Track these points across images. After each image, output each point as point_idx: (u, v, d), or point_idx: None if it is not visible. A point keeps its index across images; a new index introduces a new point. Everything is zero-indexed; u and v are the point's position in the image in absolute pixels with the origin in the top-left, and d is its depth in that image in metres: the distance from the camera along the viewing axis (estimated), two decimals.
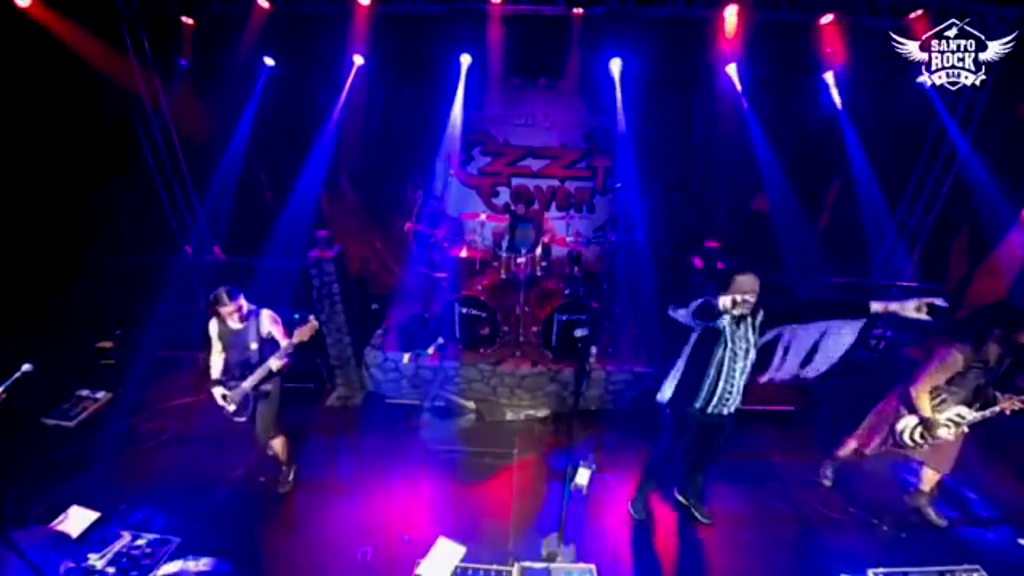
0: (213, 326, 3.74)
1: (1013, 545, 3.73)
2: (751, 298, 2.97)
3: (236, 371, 3.74)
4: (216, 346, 3.78)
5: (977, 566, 3.38)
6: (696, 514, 3.88)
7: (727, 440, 3.58)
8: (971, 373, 3.32)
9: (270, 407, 3.86)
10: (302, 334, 3.58)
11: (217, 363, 3.81)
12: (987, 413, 3.36)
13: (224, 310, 3.60)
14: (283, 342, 3.64)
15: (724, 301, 2.88)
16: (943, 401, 3.44)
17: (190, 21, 5.28)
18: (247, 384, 3.70)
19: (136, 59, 5.26)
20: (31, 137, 5.06)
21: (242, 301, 3.64)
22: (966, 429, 3.46)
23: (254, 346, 3.68)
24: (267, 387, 3.79)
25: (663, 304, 3.60)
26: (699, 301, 3.07)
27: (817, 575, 3.46)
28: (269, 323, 3.72)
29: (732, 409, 3.34)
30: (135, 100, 5.42)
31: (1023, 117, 5.09)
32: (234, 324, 3.68)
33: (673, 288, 5.63)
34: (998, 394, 3.37)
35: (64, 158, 5.32)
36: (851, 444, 3.98)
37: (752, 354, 3.20)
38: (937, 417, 3.41)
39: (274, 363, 3.67)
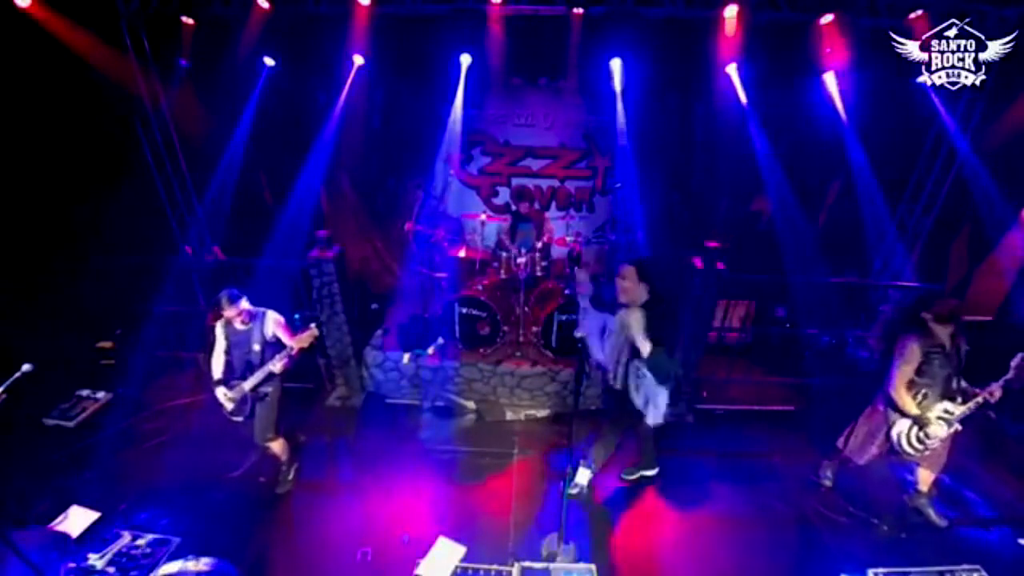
0: (219, 325, 3.77)
1: (1013, 545, 3.73)
2: (627, 284, 3.32)
3: (239, 371, 3.76)
4: (220, 345, 3.79)
5: (977, 566, 3.38)
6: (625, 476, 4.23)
7: (647, 442, 3.97)
8: (934, 360, 3.42)
9: (269, 410, 3.86)
10: (301, 340, 3.65)
11: (218, 363, 3.82)
12: (971, 405, 3.42)
13: (227, 314, 3.63)
14: (288, 342, 3.67)
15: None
16: (924, 396, 3.48)
17: (190, 21, 5.28)
18: (247, 385, 3.72)
19: (136, 59, 5.25)
20: (31, 137, 5.06)
21: (245, 304, 3.67)
22: (958, 426, 3.47)
23: (257, 347, 3.71)
24: (266, 389, 3.80)
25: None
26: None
27: (817, 575, 3.46)
28: (274, 325, 3.74)
29: (620, 386, 3.50)
30: (135, 100, 5.41)
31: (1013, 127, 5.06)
32: (239, 326, 3.70)
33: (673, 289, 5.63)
34: (977, 389, 3.45)
35: (64, 158, 5.31)
36: (844, 455, 3.98)
37: (633, 350, 3.31)
38: (928, 414, 3.45)
39: (275, 365, 3.69)
